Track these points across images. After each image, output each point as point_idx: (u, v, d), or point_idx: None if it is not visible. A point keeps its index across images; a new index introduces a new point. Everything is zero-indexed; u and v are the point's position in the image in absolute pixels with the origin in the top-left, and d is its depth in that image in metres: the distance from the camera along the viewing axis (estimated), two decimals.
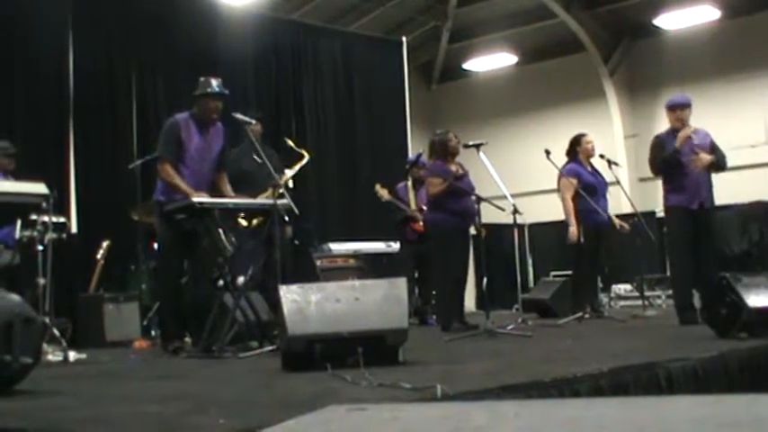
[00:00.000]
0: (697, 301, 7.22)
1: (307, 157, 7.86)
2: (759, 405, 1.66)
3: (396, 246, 9.96)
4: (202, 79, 6.63)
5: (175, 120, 6.60)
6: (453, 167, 7.77)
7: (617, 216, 8.97)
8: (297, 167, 7.81)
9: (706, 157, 7.23)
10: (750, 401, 1.71)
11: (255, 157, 7.12)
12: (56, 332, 6.12)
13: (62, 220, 7.09)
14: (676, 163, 7.24)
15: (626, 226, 8.88)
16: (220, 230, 6.16)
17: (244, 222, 6.83)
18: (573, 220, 8.39)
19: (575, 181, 8.44)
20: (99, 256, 8.36)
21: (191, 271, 6.74)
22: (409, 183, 9.68)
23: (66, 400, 3.72)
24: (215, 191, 6.60)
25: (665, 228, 7.85)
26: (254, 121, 6.81)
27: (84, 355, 6.19)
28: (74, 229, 8.76)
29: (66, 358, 5.88)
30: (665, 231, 7.87)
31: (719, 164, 7.35)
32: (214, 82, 6.58)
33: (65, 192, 8.80)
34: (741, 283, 5.54)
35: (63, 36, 9.37)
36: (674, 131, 7.39)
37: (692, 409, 1.75)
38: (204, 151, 6.61)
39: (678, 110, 7.41)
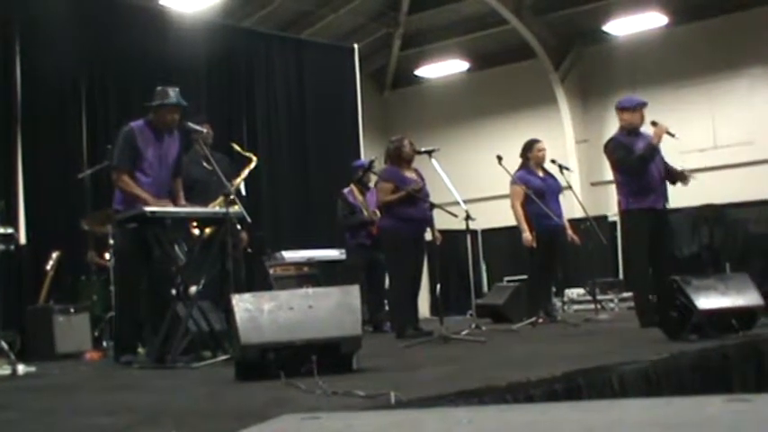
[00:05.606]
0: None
1: (255, 161, 7.79)
2: (707, 406, 1.68)
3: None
4: (159, 89, 6.46)
5: (130, 128, 6.46)
6: (408, 174, 7.78)
7: (569, 221, 9.01)
8: (245, 172, 7.75)
9: (663, 126, 7.11)
10: (698, 403, 1.73)
11: (205, 164, 7.04)
12: (4, 345, 6.05)
13: (10, 231, 7.00)
14: (652, 159, 7.10)
15: (576, 239, 8.90)
16: (172, 240, 6.12)
17: (197, 231, 6.76)
18: (525, 226, 8.38)
19: (522, 188, 8.45)
20: (49, 267, 8.24)
21: (147, 279, 6.66)
22: (354, 188, 9.58)
23: (15, 414, 3.66)
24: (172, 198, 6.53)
25: (624, 230, 7.59)
26: (204, 130, 6.74)
27: (33, 368, 6.09)
28: (22, 240, 8.62)
29: (14, 371, 5.80)
30: (625, 234, 7.63)
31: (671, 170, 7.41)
32: (172, 92, 6.41)
33: (13, 202, 8.66)
34: (691, 285, 5.60)
35: (9, 43, 9.22)
36: (632, 131, 7.26)
37: (643, 412, 1.77)
38: (162, 158, 6.52)
39: (642, 108, 7.32)
